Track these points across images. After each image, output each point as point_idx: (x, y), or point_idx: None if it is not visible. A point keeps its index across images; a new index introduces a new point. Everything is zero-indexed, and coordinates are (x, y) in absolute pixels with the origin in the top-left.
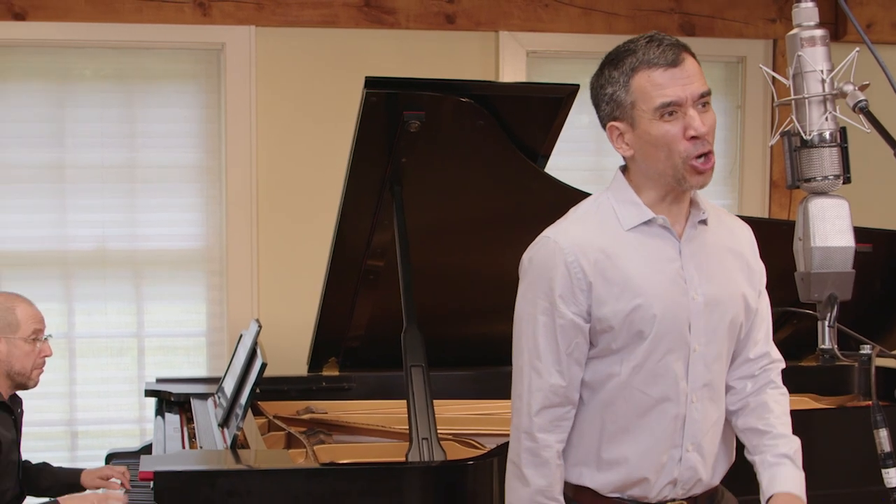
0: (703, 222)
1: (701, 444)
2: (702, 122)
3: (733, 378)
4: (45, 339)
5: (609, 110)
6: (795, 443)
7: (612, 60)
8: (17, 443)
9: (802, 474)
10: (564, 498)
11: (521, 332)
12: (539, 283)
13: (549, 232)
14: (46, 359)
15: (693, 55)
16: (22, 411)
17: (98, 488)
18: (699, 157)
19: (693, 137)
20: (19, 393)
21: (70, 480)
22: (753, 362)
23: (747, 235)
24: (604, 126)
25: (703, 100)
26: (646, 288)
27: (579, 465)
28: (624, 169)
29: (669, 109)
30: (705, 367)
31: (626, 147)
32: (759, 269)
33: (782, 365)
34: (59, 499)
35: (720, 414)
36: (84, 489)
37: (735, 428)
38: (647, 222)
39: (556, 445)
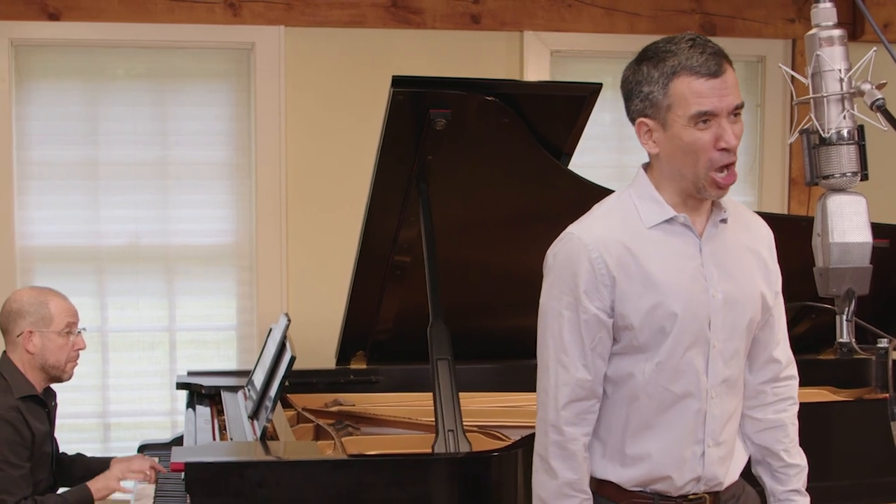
0: (724, 221)
1: (720, 438)
2: (733, 135)
3: (757, 381)
4: (79, 332)
5: (642, 107)
6: (804, 471)
7: (652, 58)
8: (50, 435)
9: (807, 501)
10: None
11: (546, 328)
12: (563, 279)
13: (573, 228)
14: (80, 352)
15: (731, 65)
16: (55, 404)
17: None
18: (722, 168)
19: (723, 149)
20: (53, 386)
21: (101, 468)
22: (776, 364)
23: (767, 235)
24: (632, 120)
25: (736, 111)
26: (666, 285)
27: (603, 460)
28: (646, 166)
29: (704, 118)
30: (724, 363)
31: (653, 145)
32: (776, 270)
33: (797, 379)
34: (87, 483)
35: (737, 408)
36: None
37: (747, 435)
38: (669, 220)
39: (583, 438)
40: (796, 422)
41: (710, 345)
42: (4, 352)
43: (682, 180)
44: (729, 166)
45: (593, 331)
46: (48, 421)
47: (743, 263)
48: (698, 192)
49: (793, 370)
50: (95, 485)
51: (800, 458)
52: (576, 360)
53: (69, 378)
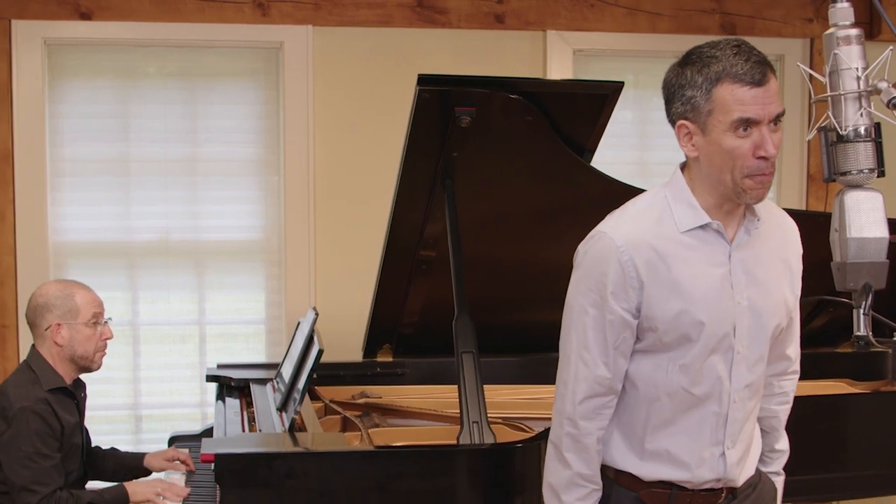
0: (756, 228)
1: (739, 438)
2: (772, 144)
3: (767, 374)
4: (105, 322)
5: (683, 110)
6: (785, 455)
7: (696, 62)
8: (80, 426)
9: (783, 477)
10: (606, 479)
11: (570, 322)
12: (592, 277)
13: (606, 227)
14: (111, 344)
15: (774, 73)
16: (85, 395)
17: (162, 470)
18: (760, 175)
19: (761, 157)
20: (84, 377)
21: (134, 464)
22: (787, 361)
23: (796, 239)
24: (672, 122)
25: (777, 119)
26: (693, 293)
27: (623, 452)
28: (683, 166)
29: (745, 125)
30: (747, 368)
31: (693, 148)
32: (799, 271)
33: (798, 374)
34: (125, 483)
35: (756, 406)
36: (147, 472)
37: None
38: (703, 227)
39: (597, 433)
40: (786, 416)
41: (734, 350)
42: (33, 345)
43: (720, 185)
44: (766, 174)
45: (617, 331)
46: (77, 412)
47: (771, 272)
48: (737, 197)
49: (798, 366)
50: (134, 488)
51: (785, 445)
52: (597, 357)
53: (98, 368)
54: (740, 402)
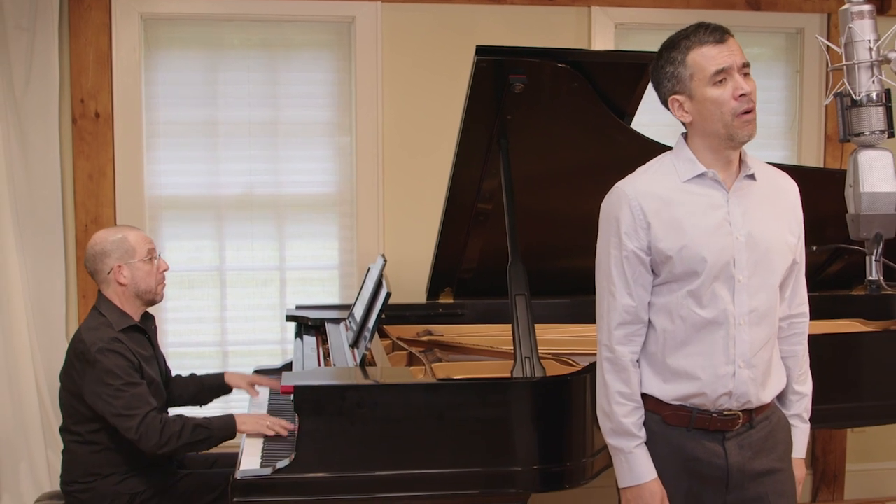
0: (751, 177)
1: (751, 362)
2: (746, 84)
3: (780, 314)
4: (159, 255)
5: (670, 86)
6: (806, 399)
7: (669, 47)
8: (154, 357)
9: (808, 427)
10: None
11: (599, 264)
12: (610, 223)
13: (620, 183)
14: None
15: (732, 36)
16: (154, 328)
17: (241, 388)
18: (745, 112)
19: (741, 95)
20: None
21: (216, 382)
22: (793, 304)
23: (792, 189)
24: (665, 102)
25: (745, 70)
26: (694, 231)
27: (647, 376)
28: (685, 136)
29: (720, 77)
30: (749, 295)
31: (686, 114)
32: (798, 219)
33: (808, 318)
34: (233, 414)
35: (769, 338)
36: (229, 389)
37: None
38: (701, 175)
39: (630, 356)
40: (807, 355)
41: (735, 279)
42: (99, 291)
43: (715, 136)
44: (749, 111)
45: (633, 265)
46: (150, 345)
47: (766, 212)
48: (731, 140)
49: (806, 308)
50: (243, 419)
51: (806, 388)
52: (622, 289)
53: (161, 299)
54: (746, 326)
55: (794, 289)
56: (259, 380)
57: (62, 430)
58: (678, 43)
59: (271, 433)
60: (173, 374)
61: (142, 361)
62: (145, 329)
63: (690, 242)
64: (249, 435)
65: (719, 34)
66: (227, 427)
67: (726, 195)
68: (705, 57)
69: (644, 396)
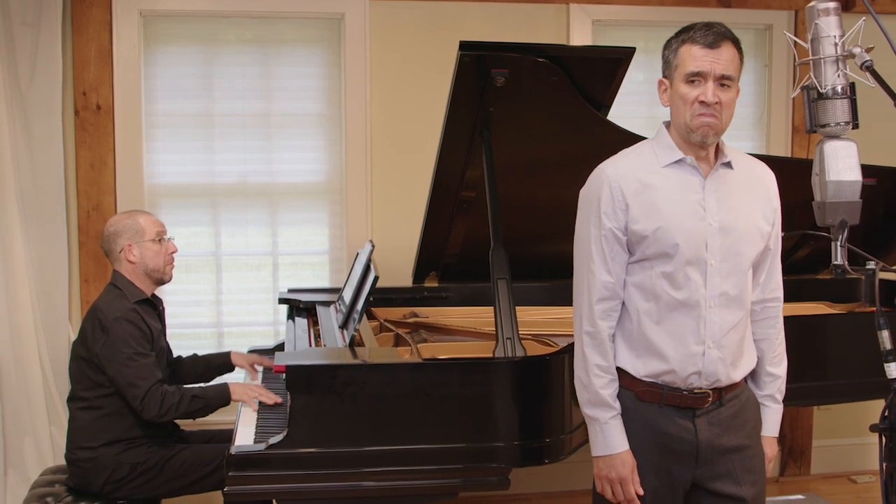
0: (727, 165)
1: (721, 343)
2: (714, 94)
3: (753, 299)
4: (169, 238)
5: (663, 68)
6: (780, 381)
7: (677, 34)
8: (163, 332)
9: (781, 407)
10: None
11: (579, 241)
12: (590, 203)
13: (602, 165)
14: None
15: (736, 47)
16: (163, 308)
17: (243, 367)
18: (700, 117)
19: (701, 102)
20: (160, 293)
21: (222, 361)
22: (766, 288)
23: (769, 178)
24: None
25: (724, 81)
26: (669, 214)
27: (621, 352)
28: (667, 124)
29: (694, 78)
30: (720, 279)
31: (665, 99)
32: (775, 208)
33: (782, 303)
34: (228, 382)
35: (739, 320)
36: (233, 367)
37: None
38: (678, 161)
39: (608, 331)
40: (783, 338)
41: (707, 263)
42: (114, 269)
43: (682, 127)
44: (704, 116)
45: (611, 243)
46: (160, 321)
47: (741, 199)
48: (689, 136)
49: (780, 293)
50: (235, 388)
51: (780, 370)
52: (600, 266)
53: (170, 279)
54: (717, 308)
55: (769, 274)
56: (260, 360)
57: (69, 399)
58: (681, 33)
59: (262, 399)
60: (174, 355)
61: (154, 333)
62: (157, 305)
63: (665, 225)
64: (243, 404)
65: (713, 38)
66: (221, 395)
67: (703, 181)
68: (690, 55)
69: (618, 371)
